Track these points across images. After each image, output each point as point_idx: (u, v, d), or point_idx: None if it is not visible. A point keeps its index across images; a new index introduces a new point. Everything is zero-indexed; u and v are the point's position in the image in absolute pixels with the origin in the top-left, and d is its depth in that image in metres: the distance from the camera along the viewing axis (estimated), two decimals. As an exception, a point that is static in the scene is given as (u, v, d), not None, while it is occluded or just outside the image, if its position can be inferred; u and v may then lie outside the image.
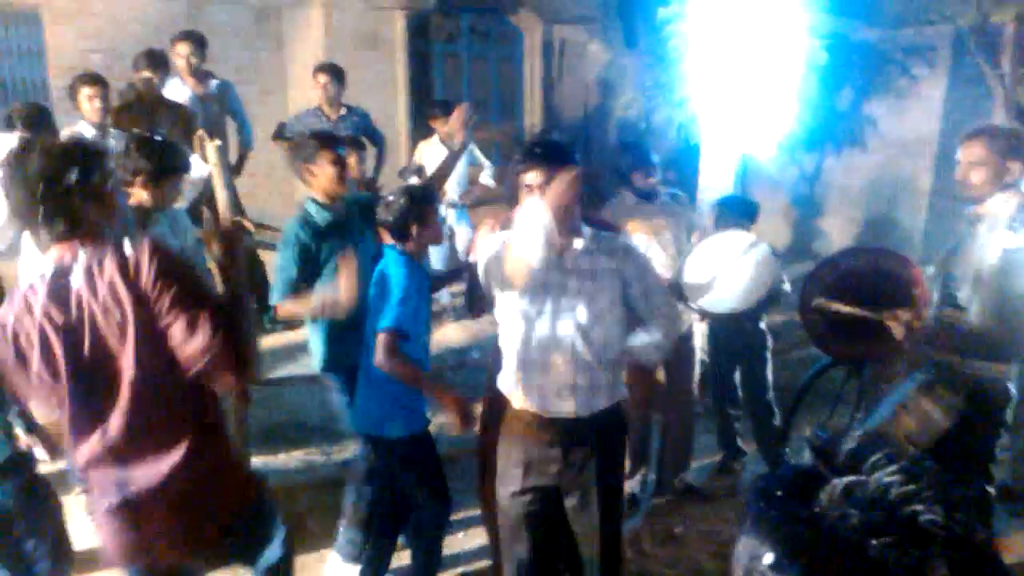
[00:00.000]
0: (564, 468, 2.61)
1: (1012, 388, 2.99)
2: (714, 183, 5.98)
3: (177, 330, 1.96)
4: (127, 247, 2.02)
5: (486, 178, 6.77)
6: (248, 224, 3.46)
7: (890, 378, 3.19)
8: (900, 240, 7.91)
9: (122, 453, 2.04)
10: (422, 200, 3.11)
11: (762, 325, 4.33)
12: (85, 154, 2.05)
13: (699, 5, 6.13)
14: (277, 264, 3.33)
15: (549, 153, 2.47)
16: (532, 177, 2.44)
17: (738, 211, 4.24)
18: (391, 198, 3.12)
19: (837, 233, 8.88)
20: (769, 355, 4.36)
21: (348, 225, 3.49)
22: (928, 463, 0.84)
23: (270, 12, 7.87)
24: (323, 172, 3.42)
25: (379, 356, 2.87)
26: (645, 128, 8.64)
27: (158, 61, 5.40)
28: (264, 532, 2.33)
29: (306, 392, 4.93)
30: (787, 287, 4.14)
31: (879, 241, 7.10)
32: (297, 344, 5.72)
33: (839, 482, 0.82)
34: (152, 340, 1.97)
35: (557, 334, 2.52)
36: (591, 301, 2.50)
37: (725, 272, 3.54)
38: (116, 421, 2.02)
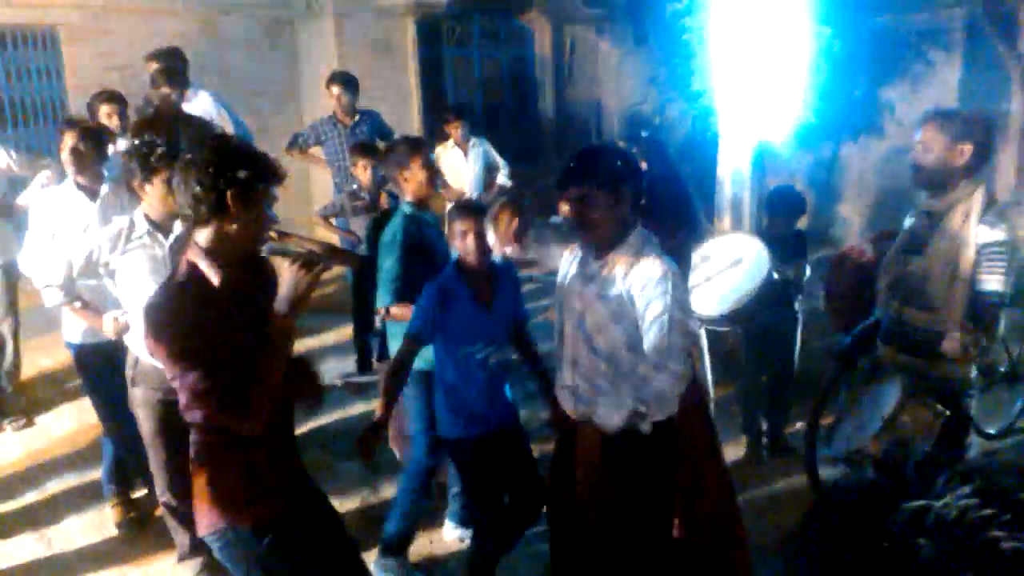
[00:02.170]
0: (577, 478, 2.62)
1: (974, 395, 2.90)
2: (732, 174, 5.96)
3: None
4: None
5: (502, 178, 6.79)
6: (272, 234, 3.49)
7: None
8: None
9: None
10: (476, 210, 3.15)
11: (783, 318, 4.33)
12: (256, 159, 2.17)
13: (709, -2, 6.12)
14: (384, 267, 3.42)
15: (577, 171, 2.50)
16: (574, 192, 2.49)
17: (787, 204, 4.26)
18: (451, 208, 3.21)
19: (855, 219, 8.82)
20: (797, 339, 4.39)
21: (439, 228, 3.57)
22: (1006, 483, 0.74)
23: (283, 24, 7.94)
24: (414, 176, 3.51)
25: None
26: (659, 123, 8.63)
27: (175, 77, 5.45)
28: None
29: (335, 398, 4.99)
30: (807, 271, 4.13)
31: (898, 227, 7.04)
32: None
33: (909, 506, 0.73)
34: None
35: (568, 336, 2.63)
36: (598, 310, 2.53)
37: (715, 277, 3.53)
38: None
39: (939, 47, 8.39)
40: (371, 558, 3.57)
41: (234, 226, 2.13)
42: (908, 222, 3.06)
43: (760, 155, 6.05)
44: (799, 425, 4.55)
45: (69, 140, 3.70)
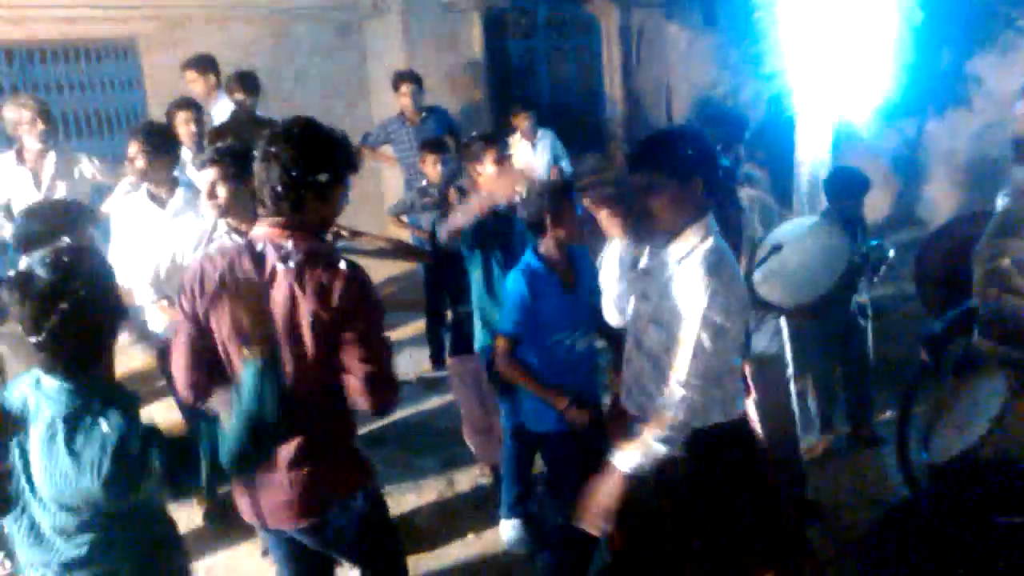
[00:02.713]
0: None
1: None
2: (811, 156, 5.75)
3: (348, 358, 2.12)
4: (336, 260, 2.15)
5: (564, 169, 6.74)
6: (344, 232, 3.52)
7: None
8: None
9: None
10: (558, 194, 3.07)
11: (856, 305, 4.14)
12: (335, 162, 2.16)
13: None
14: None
15: (647, 155, 2.38)
16: (642, 179, 2.35)
17: (848, 185, 4.08)
18: (528, 194, 3.13)
19: (944, 199, 8.41)
20: (868, 340, 4.19)
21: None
22: None
23: (351, 25, 8.04)
24: (488, 172, 3.54)
25: (497, 359, 3.09)
26: (732, 106, 8.40)
27: (249, 82, 5.58)
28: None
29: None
30: (891, 253, 3.93)
31: (990, 208, 6.69)
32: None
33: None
34: (319, 346, 2.11)
35: (631, 331, 2.54)
36: (645, 308, 2.43)
37: (791, 262, 3.30)
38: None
39: (1031, 14, 7.92)
40: (448, 551, 3.58)
41: (307, 218, 2.15)
42: (1002, 202, 2.84)
43: (839, 136, 5.82)
44: (888, 414, 4.37)
45: (134, 148, 3.80)
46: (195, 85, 5.70)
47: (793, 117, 5.82)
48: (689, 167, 2.29)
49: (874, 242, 4.04)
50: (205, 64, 5.72)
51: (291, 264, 2.10)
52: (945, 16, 7.23)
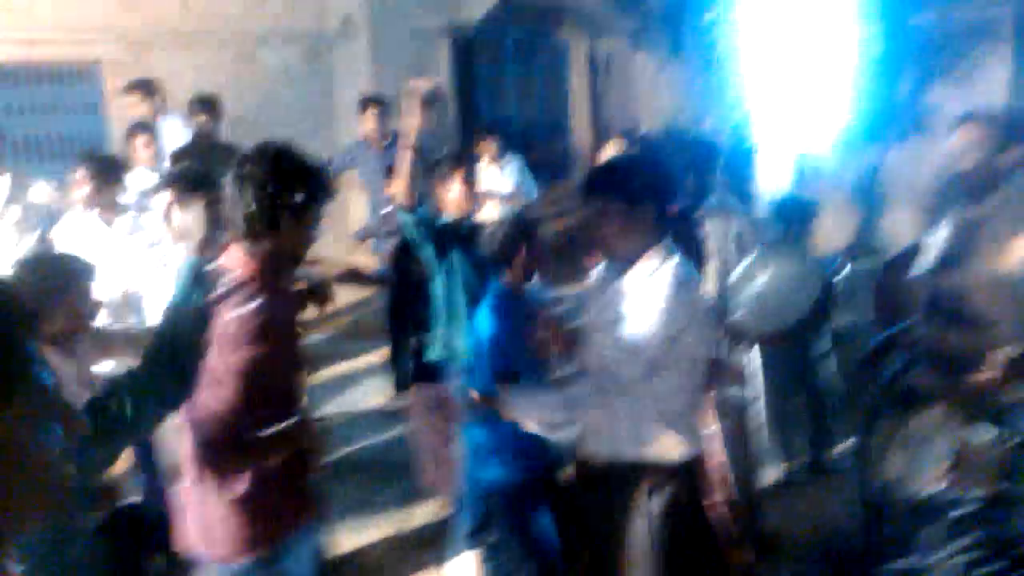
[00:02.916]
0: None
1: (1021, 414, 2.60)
2: (772, 184, 5.81)
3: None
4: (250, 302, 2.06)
5: (525, 196, 6.74)
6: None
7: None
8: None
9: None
10: (526, 227, 3.07)
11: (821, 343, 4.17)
12: (314, 181, 2.13)
13: (746, 5, 6.00)
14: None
15: (598, 183, 2.38)
16: (595, 206, 2.35)
17: (795, 212, 4.09)
18: (495, 225, 3.10)
19: (904, 227, 8.54)
20: (832, 368, 4.21)
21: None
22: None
23: (319, 50, 8.03)
24: (455, 191, 3.56)
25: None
26: (697, 134, 8.50)
27: (210, 106, 5.54)
28: None
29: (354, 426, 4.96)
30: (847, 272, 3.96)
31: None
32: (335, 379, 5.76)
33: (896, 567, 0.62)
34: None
35: (591, 366, 2.43)
36: (611, 336, 2.34)
37: (766, 288, 3.31)
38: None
39: (987, 44, 8.12)
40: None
41: (281, 243, 2.11)
42: (938, 234, 2.85)
43: (801, 165, 5.90)
44: (851, 442, 4.38)
45: (80, 175, 3.80)
46: (138, 108, 5.60)
47: (755, 146, 5.88)
48: (640, 194, 2.28)
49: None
50: (148, 86, 5.65)
51: (219, 291, 2.04)
52: (904, 47, 7.40)
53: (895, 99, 7.76)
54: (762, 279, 3.59)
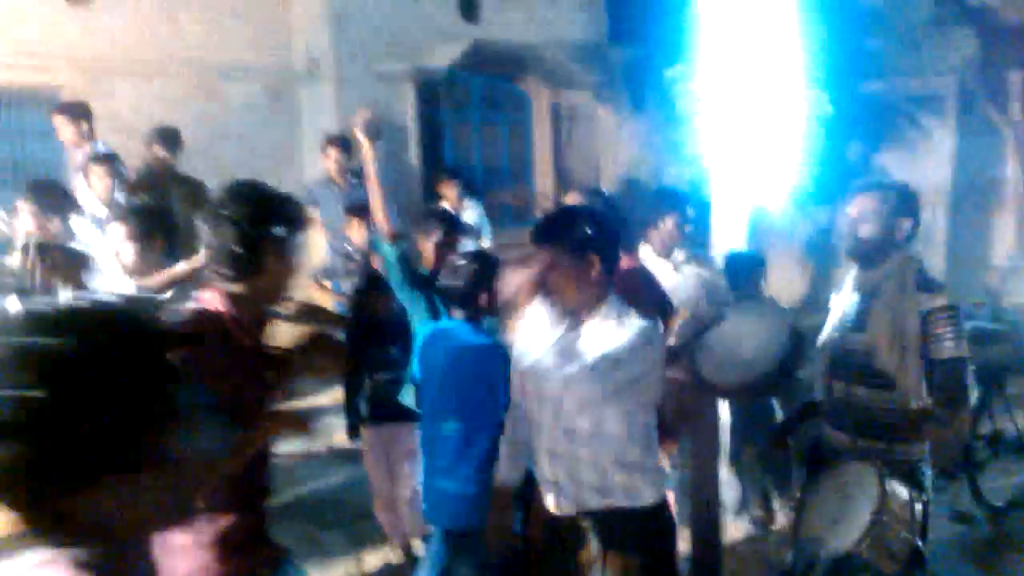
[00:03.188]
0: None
1: (927, 471, 2.75)
2: (726, 240, 5.94)
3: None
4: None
5: (484, 242, 6.79)
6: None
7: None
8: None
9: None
10: (492, 266, 3.06)
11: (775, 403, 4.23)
12: (291, 213, 2.10)
13: (705, 65, 6.19)
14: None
15: (546, 231, 2.37)
16: (541, 255, 2.35)
17: (743, 267, 4.18)
18: (459, 263, 3.07)
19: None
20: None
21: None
22: None
23: (284, 88, 8.04)
24: (432, 246, 3.60)
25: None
26: (657, 187, 8.67)
27: (170, 139, 5.49)
28: None
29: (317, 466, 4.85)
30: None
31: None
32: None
33: None
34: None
35: (544, 423, 2.39)
36: (579, 388, 2.31)
37: (733, 341, 3.34)
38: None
39: (932, 113, 8.49)
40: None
41: (266, 280, 2.06)
42: (840, 299, 2.95)
43: (756, 222, 6.04)
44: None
45: (23, 206, 3.67)
46: (63, 132, 5.37)
47: (710, 200, 6.03)
48: (586, 245, 2.30)
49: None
50: (76, 111, 5.39)
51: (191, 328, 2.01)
52: (855, 112, 7.69)
53: (846, 162, 8.04)
54: (727, 331, 3.63)
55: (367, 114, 3.33)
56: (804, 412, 3.10)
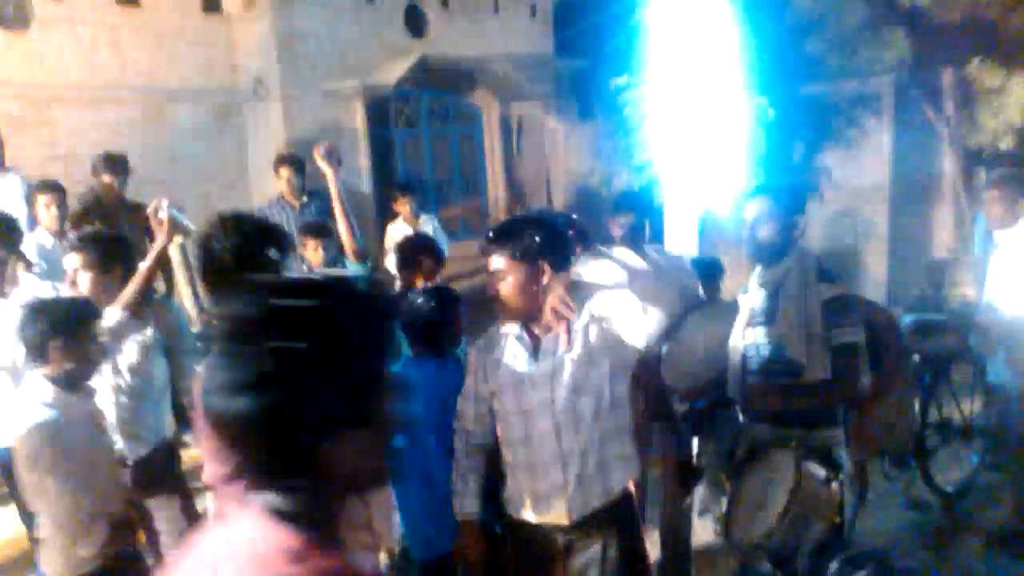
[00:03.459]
0: None
1: (843, 454, 2.88)
2: (679, 243, 6.03)
3: None
4: None
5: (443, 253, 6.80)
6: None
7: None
8: (868, 287, 8.00)
9: None
10: (452, 301, 3.03)
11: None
12: (278, 235, 2.21)
13: (649, 74, 6.31)
14: None
15: (496, 239, 2.38)
16: (492, 263, 2.37)
17: (704, 273, 4.26)
18: (418, 299, 3.01)
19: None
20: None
21: None
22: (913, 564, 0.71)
23: (231, 108, 7.97)
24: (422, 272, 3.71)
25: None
26: (607, 194, 8.78)
27: (117, 165, 5.40)
28: None
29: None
30: None
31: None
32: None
33: None
34: None
35: (538, 435, 2.39)
36: (571, 387, 2.35)
37: (688, 345, 3.41)
38: None
39: (871, 112, 8.74)
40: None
41: None
42: (747, 298, 3.06)
43: (704, 225, 6.16)
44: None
45: None
46: None
47: (662, 206, 6.12)
48: (534, 252, 2.32)
49: None
50: None
51: None
52: (796, 114, 7.89)
53: (790, 163, 8.24)
54: (686, 335, 3.70)
55: (327, 144, 3.49)
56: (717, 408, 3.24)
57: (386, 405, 1.04)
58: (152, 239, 5.37)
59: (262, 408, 0.93)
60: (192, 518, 3.18)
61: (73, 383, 2.63)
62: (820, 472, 2.67)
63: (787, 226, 2.87)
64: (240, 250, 2.08)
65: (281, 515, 0.97)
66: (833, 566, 2.64)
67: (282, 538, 0.95)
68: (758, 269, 3.02)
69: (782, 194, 2.92)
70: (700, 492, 4.43)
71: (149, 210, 2.94)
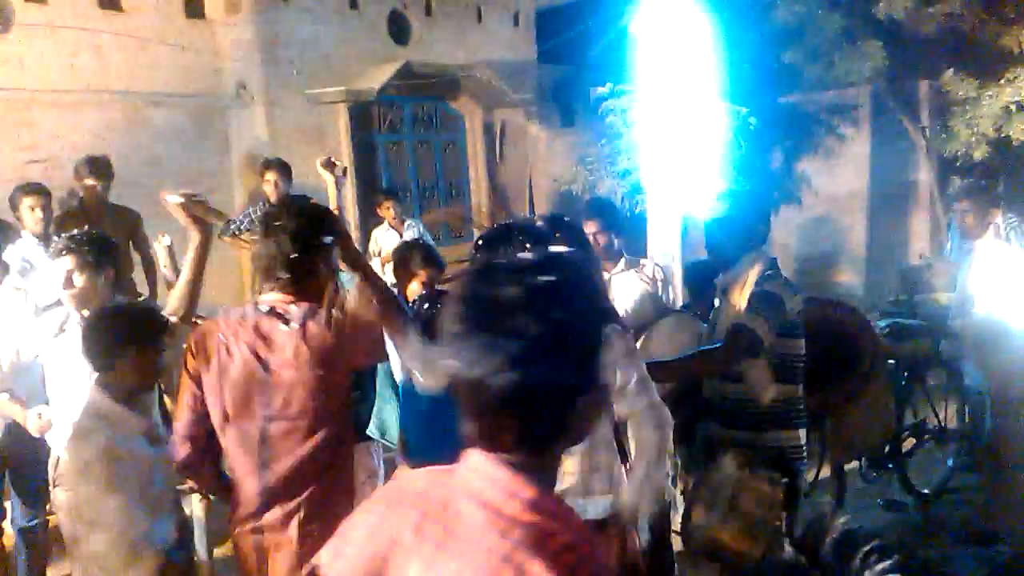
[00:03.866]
0: None
1: (799, 458, 2.97)
2: (661, 249, 6.10)
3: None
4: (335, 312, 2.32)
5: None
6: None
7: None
8: (845, 292, 8.12)
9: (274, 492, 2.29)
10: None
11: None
12: (332, 221, 2.41)
13: (631, 83, 6.38)
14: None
15: (486, 247, 2.40)
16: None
17: (704, 276, 4.33)
18: (424, 305, 2.97)
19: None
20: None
21: None
22: (932, 555, 0.75)
23: (213, 113, 7.95)
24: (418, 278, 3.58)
25: None
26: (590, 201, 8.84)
27: (100, 168, 5.39)
28: None
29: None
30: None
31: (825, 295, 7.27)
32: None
33: None
34: (331, 398, 2.30)
35: None
36: None
37: (649, 349, 3.48)
38: (282, 464, 2.27)
39: (848, 122, 8.88)
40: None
41: (318, 283, 2.33)
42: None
43: (686, 231, 6.22)
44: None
45: None
46: None
47: (644, 212, 6.19)
48: None
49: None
50: None
51: (293, 325, 2.26)
52: (775, 123, 8.00)
53: (768, 171, 8.35)
54: (648, 341, 3.79)
55: (327, 156, 3.86)
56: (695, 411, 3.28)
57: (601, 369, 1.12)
58: (137, 243, 5.45)
59: (530, 380, 0.99)
60: None
61: (132, 395, 2.56)
62: (766, 475, 2.72)
63: (744, 231, 2.95)
64: (300, 235, 2.25)
65: (513, 465, 1.03)
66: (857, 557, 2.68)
67: (518, 487, 1.01)
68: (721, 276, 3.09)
69: (742, 200, 3.04)
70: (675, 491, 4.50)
71: (180, 202, 2.72)
